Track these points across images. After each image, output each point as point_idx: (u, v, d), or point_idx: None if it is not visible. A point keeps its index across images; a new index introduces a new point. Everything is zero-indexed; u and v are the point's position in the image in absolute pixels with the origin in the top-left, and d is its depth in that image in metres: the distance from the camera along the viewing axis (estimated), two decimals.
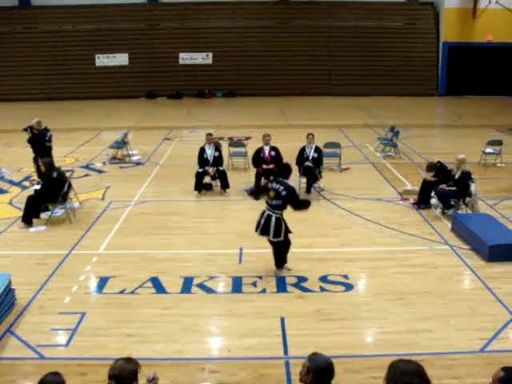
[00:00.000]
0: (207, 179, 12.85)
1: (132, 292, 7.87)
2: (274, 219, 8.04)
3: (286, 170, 8.38)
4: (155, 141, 18.70)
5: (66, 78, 29.84)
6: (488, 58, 29.56)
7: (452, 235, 9.95)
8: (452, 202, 10.99)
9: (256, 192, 8.79)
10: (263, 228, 8.11)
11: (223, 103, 29.66)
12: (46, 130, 13.40)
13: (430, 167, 11.77)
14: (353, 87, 29.93)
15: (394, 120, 20.64)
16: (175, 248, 9.49)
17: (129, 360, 4.03)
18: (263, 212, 8.19)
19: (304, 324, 6.99)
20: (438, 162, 11.83)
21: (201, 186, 12.60)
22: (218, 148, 13.07)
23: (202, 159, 12.69)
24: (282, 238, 8.09)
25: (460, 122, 22.93)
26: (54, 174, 10.76)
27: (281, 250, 8.34)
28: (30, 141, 13.22)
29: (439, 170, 11.52)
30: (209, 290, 7.95)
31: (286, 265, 8.45)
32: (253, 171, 12.78)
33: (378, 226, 10.44)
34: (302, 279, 8.21)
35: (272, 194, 8.11)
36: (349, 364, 6.00)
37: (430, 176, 11.62)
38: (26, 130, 13.28)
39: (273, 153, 12.57)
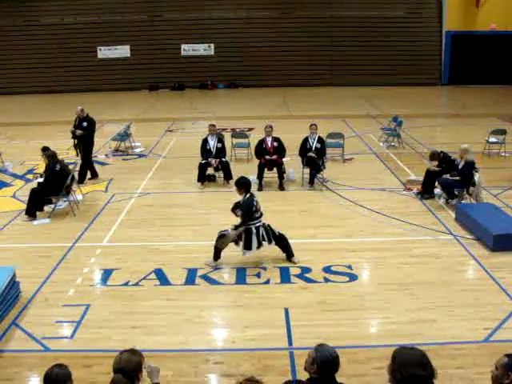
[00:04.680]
0: (210, 170, 12.84)
1: (136, 284, 7.88)
2: (265, 226, 8.37)
3: (249, 185, 8.51)
4: (158, 132, 18.68)
5: (68, 71, 29.79)
6: (491, 46, 29.36)
7: (456, 225, 9.93)
8: (456, 192, 10.95)
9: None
10: (268, 240, 8.37)
11: (225, 94, 29.59)
12: (87, 118, 13.20)
13: (433, 156, 11.73)
14: (355, 77, 29.80)
15: (396, 110, 20.56)
16: (179, 239, 9.50)
17: (133, 352, 4.03)
18: (257, 229, 8.27)
19: (308, 315, 7.00)
20: (441, 151, 11.78)
21: (204, 178, 12.60)
22: (220, 139, 13.05)
23: (205, 150, 12.68)
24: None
25: (464, 111, 22.83)
26: (57, 167, 10.76)
27: (283, 243, 8.50)
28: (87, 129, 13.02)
29: (443, 160, 11.48)
30: (213, 282, 7.96)
31: (293, 258, 8.52)
32: (256, 162, 12.76)
33: (382, 216, 10.42)
34: (305, 270, 8.21)
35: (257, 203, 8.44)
36: (353, 354, 6.01)
37: (433, 165, 11.58)
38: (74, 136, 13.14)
39: (275, 143, 12.54)
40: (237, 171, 12.79)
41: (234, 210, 8.58)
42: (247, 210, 8.24)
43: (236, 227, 8.28)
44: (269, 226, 8.44)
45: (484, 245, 8.94)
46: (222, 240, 8.26)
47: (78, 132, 12.95)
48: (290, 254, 8.50)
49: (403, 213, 10.57)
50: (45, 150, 11.41)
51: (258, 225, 8.29)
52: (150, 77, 30.58)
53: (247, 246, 8.25)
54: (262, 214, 8.43)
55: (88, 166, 13.20)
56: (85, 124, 13.02)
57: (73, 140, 13.27)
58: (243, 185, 8.44)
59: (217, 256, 8.36)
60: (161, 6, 30.64)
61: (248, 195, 8.36)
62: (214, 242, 8.37)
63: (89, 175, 13.21)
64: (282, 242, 8.47)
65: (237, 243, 8.34)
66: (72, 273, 8.24)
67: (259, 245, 8.27)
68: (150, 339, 6.45)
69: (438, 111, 24.23)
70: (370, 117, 21.21)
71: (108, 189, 12.54)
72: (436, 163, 11.57)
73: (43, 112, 24.36)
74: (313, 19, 30.19)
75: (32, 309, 7.23)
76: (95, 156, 15.44)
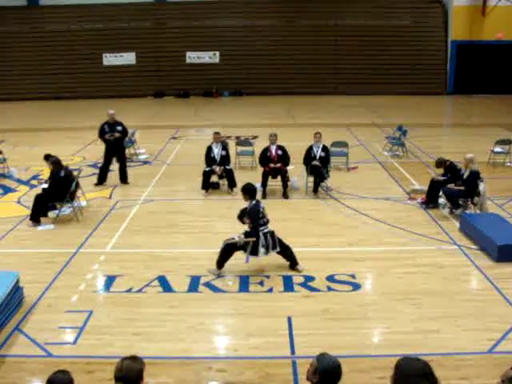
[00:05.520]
0: (214, 178, 12.85)
1: (139, 291, 7.88)
2: (271, 233, 8.32)
3: (254, 191, 8.55)
4: (162, 140, 18.73)
5: (74, 78, 29.94)
6: (497, 56, 29.38)
7: (460, 235, 9.90)
8: (460, 202, 10.93)
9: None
10: (273, 246, 8.31)
11: (230, 102, 29.67)
12: (118, 121, 13.34)
13: (439, 163, 11.69)
14: (360, 86, 29.84)
15: (401, 119, 20.57)
16: (182, 247, 9.50)
17: (134, 359, 4.00)
18: (265, 236, 8.25)
19: (311, 323, 6.98)
20: (449, 160, 11.70)
21: (208, 185, 12.61)
22: (225, 147, 13.06)
23: (209, 158, 12.69)
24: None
25: (469, 120, 22.82)
26: (62, 173, 10.78)
27: (287, 252, 8.49)
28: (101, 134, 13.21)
29: (449, 169, 11.43)
30: (216, 289, 7.95)
31: (298, 266, 8.50)
32: (260, 170, 12.77)
33: (386, 226, 10.40)
34: (309, 278, 8.20)
35: (265, 210, 8.46)
36: (355, 364, 5.98)
37: (438, 173, 11.54)
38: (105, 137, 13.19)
39: (279, 152, 12.55)
40: (241, 179, 12.79)
41: (240, 217, 8.57)
42: (254, 216, 8.27)
43: (246, 234, 8.27)
44: (273, 233, 8.41)
45: (488, 255, 8.91)
46: (230, 242, 8.27)
47: (117, 135, 13.07)
48: (294, 263, 8.49)
49: (407, 222, 10.55)
50: (47, 157, 11.44)
51: (265, 231, 8.29)
52: (155, 84, 30.71)
53: (254, 252, 8.25)
54: (268, 221, 8.42)
55: (108, 168, 13.35)
56: (119, 128, 13.19)
57: (106, 146, 13.26)
58: (248, 191, 8.47)
59: (221, 264, 8.35)
60: (166, 13, 30.84)
61: (254, 201, 8.38)
62: (217, 250, 8.38)
63: (95, 180, 13.25)
64: (286, 251, 8.46)
65: (245, 250, 8.33)
66: (75, 279, 8.24)
67: (267, 251, 8.26)
68: (153, 346, 6.44)
69: (443, 120, 24.24)
70: (374, 126, 21.21)
71: (112, 195, 12.56)
72: (442, 171, 11.53)
73: (48, 118, 24.48)
74: (318, 27, 30.32)
75: (35, 314, 7.23)
76: (100, 162, 15.50)
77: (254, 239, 8.18)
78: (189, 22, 30.56)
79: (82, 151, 17.06)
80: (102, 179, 13.31)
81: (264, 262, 8.55)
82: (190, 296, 7.77)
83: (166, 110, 26.81)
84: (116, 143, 13.16)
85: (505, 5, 28.82)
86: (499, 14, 28.91)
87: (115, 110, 13.67)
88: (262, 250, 8.22)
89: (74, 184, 10.89)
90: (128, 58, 30.93)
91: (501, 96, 28.66)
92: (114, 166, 14.41)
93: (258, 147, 14.09)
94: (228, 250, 8.29)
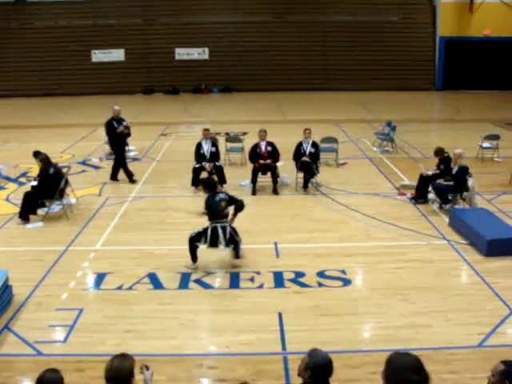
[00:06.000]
0: (204, 175, 12.82)
1: (129, 288, 7.85)
2: (228, 229, 8.35)
3: (214, 184, 8.72)
4: (152, 136, 18.65)
5: (62, 74, 29.72)
6: (485, 52, 29.54)
7: (449, 230, 9.95)
8: (449, 197, 10.98)
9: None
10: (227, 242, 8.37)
11: (220, 98, 29.61)
12: (122, 119, 13.40)
13: (438, 152, 11.70)
14: (349, 82, 29.90)
15: (390, 114, 20.62)
16: (172, 244, 9.46)
17: (124, 357, 3.98)
18: (224, 229, 8.30)
19: (302, 319, 6.99)
20: (447, 153, 11.71)
21: (198, 182, 12.57)
22: (214, 143, 13.05)
23: (199, 154, 12.68)
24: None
25: (458, 116, 22.93)
26: (51, 170, 10.71)
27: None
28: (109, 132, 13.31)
29: (444, 160, 11.45)
30: (206, 286, 7.94)
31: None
32: (250, 166, 12.75)
33: (376, 221, 10.44)
34: (299, 274, 8.21)
35: (224, 203, 8.39)
36: (346, 359, 6.00)
37: (428, 168, 11.60)
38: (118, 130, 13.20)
39: (269, 148, 12.55)
40: (231, 175, 12.84)
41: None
42: (206, 207, 8.38)
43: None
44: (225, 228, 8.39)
45: (477, 250, 8.97)
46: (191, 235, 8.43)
47: (127, 131, 13.27)
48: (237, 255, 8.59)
49: (397, 218, 10.59)
50: (36, 154, 11.36)
51: (224, 225, 8.32)
52: (144, 80, 30.58)
53: (213, 244, 8.31)
54: (219, 216, 8.36)
55: (124, 164, 13.37)
56: (125, 123, 13.29)
57: (110, 141, 13.37)
58: (203, 184, 8.95)
59: (193, 258, 8.38)
60: (155, 10, 30.65)
61: (208, 194, 8.48)
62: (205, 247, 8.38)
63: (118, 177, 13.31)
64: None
65: (200, 241, 8.36)
66: (65, 277, 8.20)
67: (213, 245, 8.33)
68: (144, 343, 6.42)
69: (431, 116, 24.34)
70: (363, 121, 21.26)
71: (102, 192, 12.50)
72: (438, 159, 11.59)
73: (37, 115, 24.32)
74: (307, 24, 30.30)
75: (25, 313, 7.18)
76: (89, 160, 15.45)
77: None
78: (178, 19, 30.41)
79: (71, 148, 16.96)
80: (129, 175, 13.36)
81: (255, 258, 8.55)
82: (181, 293, 7.76)
83: (156, 107, 26.69)
84: (122, 139, 13.25)
85: (491, 2, 28.98)
86: (486, 10, 29.06)
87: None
88: (222, 241, 8.29)
89: (63, 181, 10.83)
90: (117, 55, 30.75)
91: (489, 91, 28.85)
92: (105, 163, 14.40)
93: (248, 143, 14.07)
94: (191, 243, 8.36)
